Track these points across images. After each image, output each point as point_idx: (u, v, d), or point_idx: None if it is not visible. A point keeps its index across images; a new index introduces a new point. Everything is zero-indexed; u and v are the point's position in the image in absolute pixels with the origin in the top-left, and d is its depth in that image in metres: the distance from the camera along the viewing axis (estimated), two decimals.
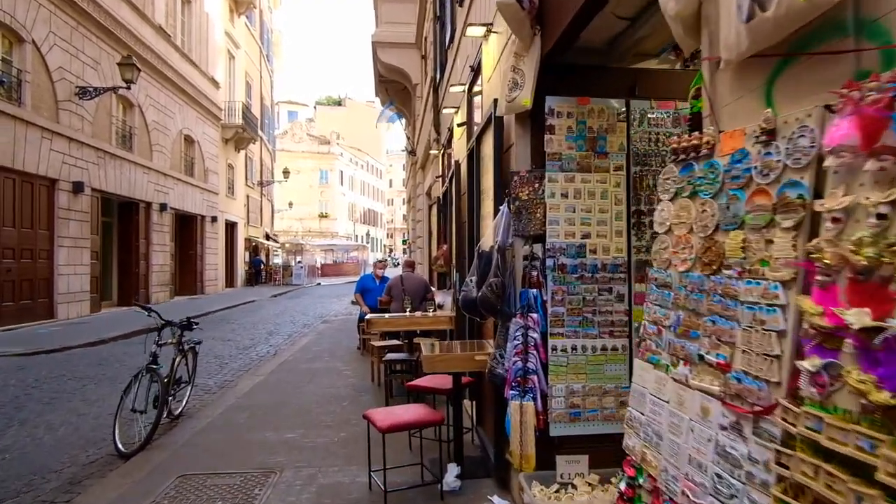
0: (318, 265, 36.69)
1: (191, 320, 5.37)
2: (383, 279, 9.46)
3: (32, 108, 11.92)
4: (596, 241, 2.95)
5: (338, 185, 62.38)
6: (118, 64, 13.61)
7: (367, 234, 70.65)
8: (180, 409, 5.48)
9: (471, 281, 3.22)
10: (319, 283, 32.47)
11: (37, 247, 12.22)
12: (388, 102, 16.36)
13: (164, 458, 4.19)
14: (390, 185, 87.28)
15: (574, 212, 2.94)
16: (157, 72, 17.52)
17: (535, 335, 2.94)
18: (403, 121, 16.84)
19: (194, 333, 5.77)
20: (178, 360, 5.28)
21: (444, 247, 8.25)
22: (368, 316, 5.89)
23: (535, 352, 2.93)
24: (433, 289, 8.52)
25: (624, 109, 2.99)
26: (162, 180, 18.15)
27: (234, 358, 8.84)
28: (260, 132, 30.40)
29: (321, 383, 6.53)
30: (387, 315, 6.10)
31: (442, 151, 8.39)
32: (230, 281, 25.84)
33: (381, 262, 9.95)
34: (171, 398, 5.19)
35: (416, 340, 6.17)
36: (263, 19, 32.86)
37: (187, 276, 21.02)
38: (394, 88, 17.21)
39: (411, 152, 16.15)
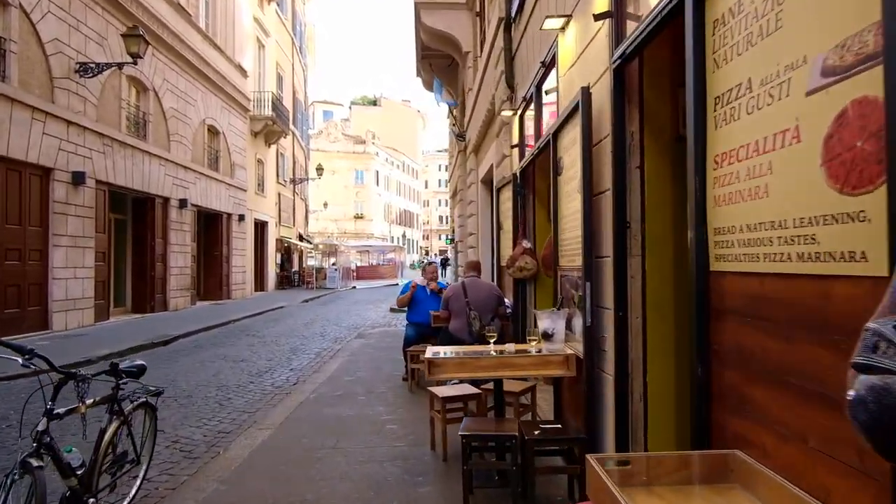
0: (354, 267, 34.79)
1: (119, 368, 3.17)
2: (439, 286, 7.20)
3: (20, 83, 10.12)
4: None
5: (373, 186, 60.79)
6: (122, 35, 11.77)
7: (403, 236, 68.86)
8: None
9: None
10: (354, 287, 30.53)
11: (26, 246, 10.41)
12: (436, 81, 14.09)
13: None
14: (426, 186, 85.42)
15: None
16: (176, 53, 15.73)
17: None
18: (444, 99, 14.50)
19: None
20: (112, 430, 3.10)
21: (524, 243, 5.92)
22: (429, 354, 3.56)
23: None
24: (508, 301, 6.19)
25: None
26: (182, 173, 16.36)
27: (241, 390, 6.69)
28: (292, 127, 28.66)
29: (353, 451, 4.27)
30: (457, 351, 3.78)
31: (520, 111, 6.06)
32: (260, 284, 24.07)
33: (431, 265, 7.69)
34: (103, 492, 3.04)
35: (505, 386, 3.85)
36: (296, 9, 31.19)
37: (211, 280, 19.26)
38: (438, 65, 14.97)
39: (459, 136, 13.86)
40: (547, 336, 3.62)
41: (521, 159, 6.12)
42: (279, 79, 27.16)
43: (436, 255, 61.33)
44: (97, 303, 12.40)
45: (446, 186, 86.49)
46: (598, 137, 3.18)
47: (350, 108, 76.24)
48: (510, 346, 3.67)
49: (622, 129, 2.95)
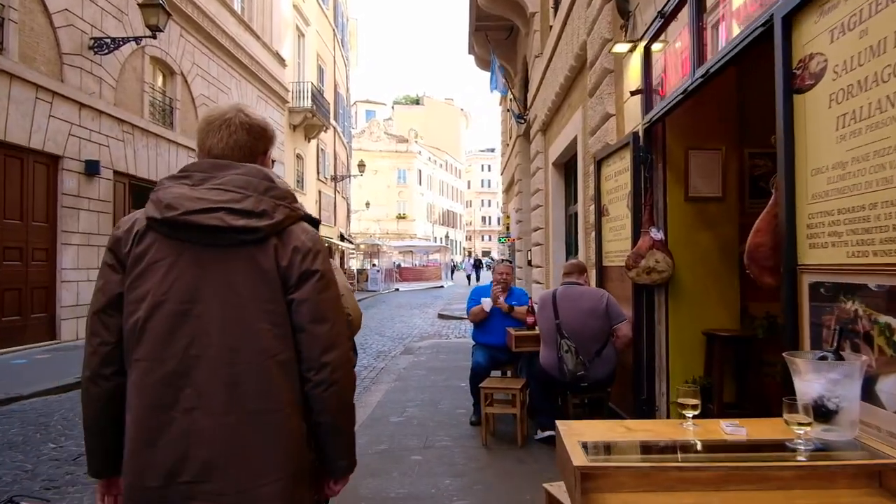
0: (397, 269, 33.27)
1: None
2: (513, 294, 5.37)
3: (21, 57, 8.82)
4: None
5: (416, 185, 59.37)
6: (140, 5, 10.38)
7: (446, 236, 67.20)
8: None
9: None
10: (397, 289, 29.00)
11: (29, 245, 9.12)
12: (492, 56, 12.25)
13: None
14: (468, 186, 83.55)
15: None
16: (207, 35, 14.41)
17: None
18: (501, 77, 12.58)
19: None
20: None
21: (653, 233, 4.03)
22: (578, 456, 1.72)
23: None
24: (628, 313, 4.25)
25: None
26: None
27: None
28: (333, 122, 27.33)
29: None
30: (633, 442, 1.91)
31: (645, 42, 4.15)
32: None
33: (503, 263, 5.84)
34: None
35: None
36: (338, 0, 29.93)
37: None
38: (495, 37, 13.13)
39: (519, 117, 11.98)
40: (822, 412, 1.71)
41: (645, 112, 4.21)
42: (320, 71, 25.86)
43: (470, 255, 59.27)
44: None
45: (490, 186, 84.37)
46: None
47: (392, 107, 75.26)
48: (738, 430, 1.79)
49: None
